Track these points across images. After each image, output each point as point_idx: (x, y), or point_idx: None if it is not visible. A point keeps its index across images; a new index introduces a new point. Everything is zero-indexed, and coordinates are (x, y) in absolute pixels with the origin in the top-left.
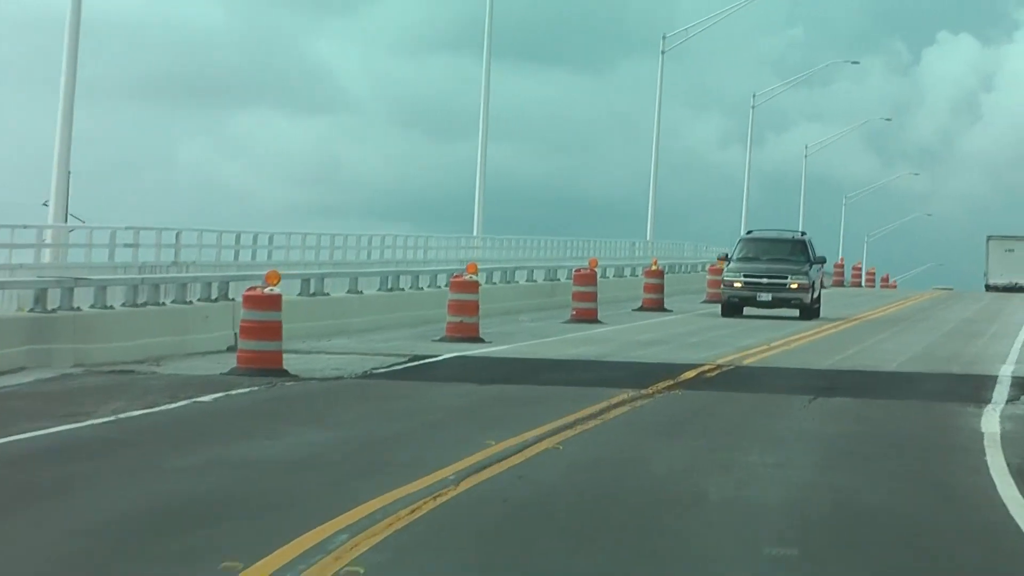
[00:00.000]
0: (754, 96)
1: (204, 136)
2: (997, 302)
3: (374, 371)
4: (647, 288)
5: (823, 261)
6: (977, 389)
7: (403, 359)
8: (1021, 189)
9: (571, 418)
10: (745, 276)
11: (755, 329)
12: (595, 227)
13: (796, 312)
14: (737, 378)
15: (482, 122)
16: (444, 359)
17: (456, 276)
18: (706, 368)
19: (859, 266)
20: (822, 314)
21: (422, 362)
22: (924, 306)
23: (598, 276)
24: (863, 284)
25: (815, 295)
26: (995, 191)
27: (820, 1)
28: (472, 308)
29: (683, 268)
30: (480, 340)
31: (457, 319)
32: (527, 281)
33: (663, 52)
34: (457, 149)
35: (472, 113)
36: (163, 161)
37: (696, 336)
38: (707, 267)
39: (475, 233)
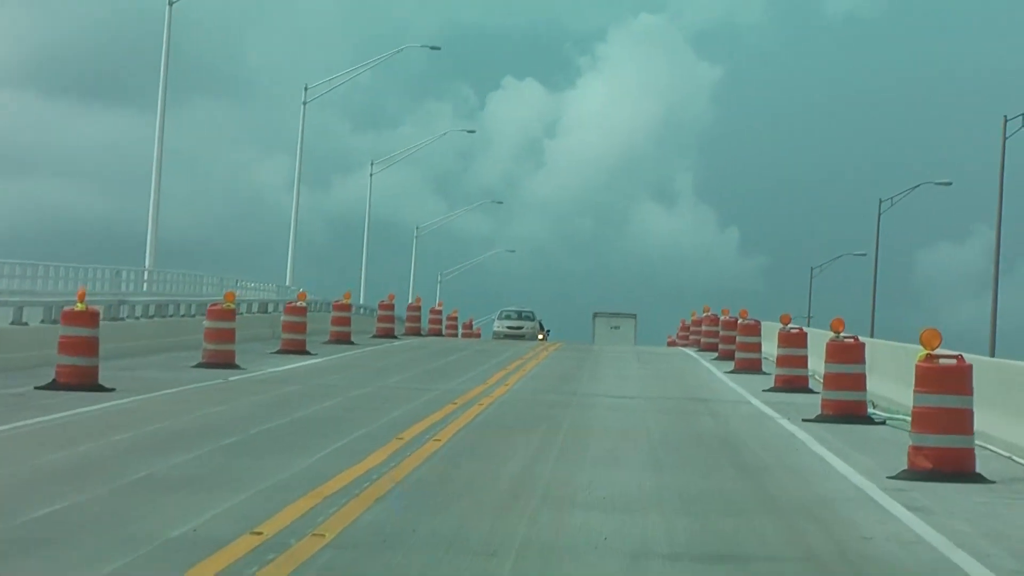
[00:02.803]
0: (306, 90)
1: None
2: (645, 359)
3: None
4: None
5: None
6: None
7: None
8: (581, 233)
9: None
10: None
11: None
12: (170, 268)
13: None
14: None
15: None
16: None
17: None
18: None
19: (439, 309)
20: None
21: None
22: (561, 368)
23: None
24: (443, 331)
25: None
26: (556, 234)
27: (388, 45)
28: None
29: (181, 310)
30: None
31: None
32: None
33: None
34: (9, 185)
35: (25, 148)
36: None
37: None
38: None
39: None
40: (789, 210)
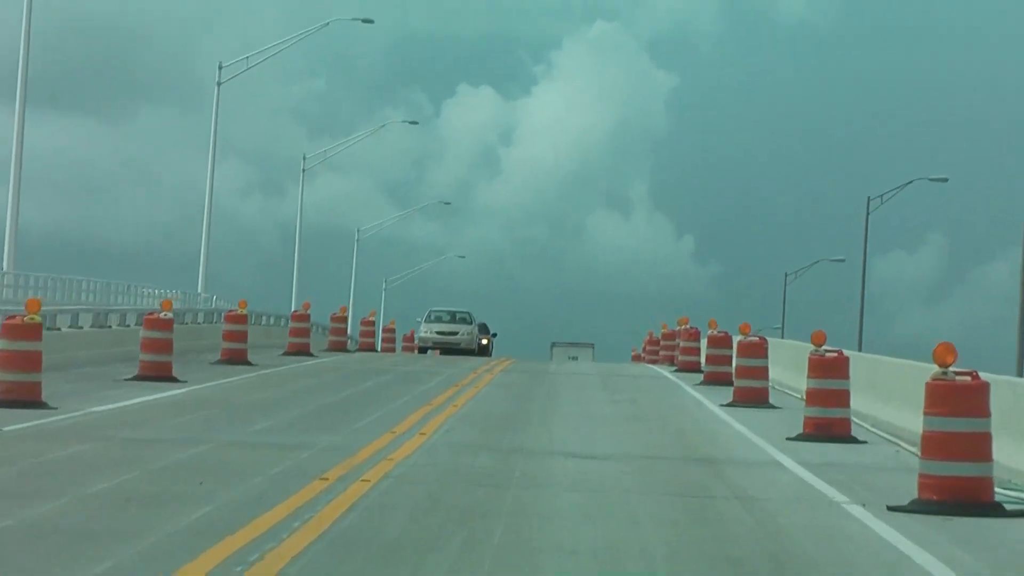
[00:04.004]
0: (220, 69)
1: None
2: (613, 386)
3: None
4: None
5: None
6: None
7: None
8: (535, 241)
9: None
10: None
11: None
12: (117, 277)
13: None
14: None
15: None
16: None
17: None
18: None
19: (371, 320)
20: None
21: None
22: (505, 403)
23: None
24: (379, 346)
25: None
26: (512, 242)
27: (341, 52)
28: None
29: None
30: None
31: None
32: None
33: None
34: None
35: None
36: None
37: None
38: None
39: None
40: (744, 218)
